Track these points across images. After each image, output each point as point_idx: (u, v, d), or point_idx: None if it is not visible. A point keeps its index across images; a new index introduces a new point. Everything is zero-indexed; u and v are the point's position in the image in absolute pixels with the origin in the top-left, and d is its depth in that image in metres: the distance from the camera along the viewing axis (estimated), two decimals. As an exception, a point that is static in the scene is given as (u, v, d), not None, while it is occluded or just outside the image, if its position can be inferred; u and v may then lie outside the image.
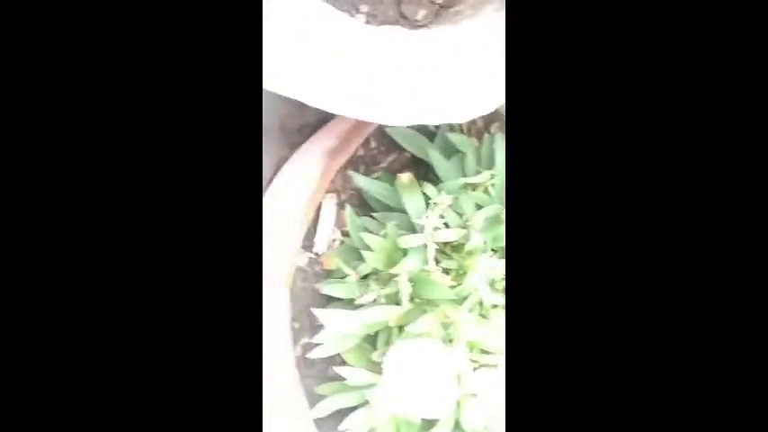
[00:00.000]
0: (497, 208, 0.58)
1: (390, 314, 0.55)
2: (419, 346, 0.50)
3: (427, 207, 0.57)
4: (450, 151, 0.63)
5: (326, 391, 0.60)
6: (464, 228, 0.56)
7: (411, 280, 0.55)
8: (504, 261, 0.57)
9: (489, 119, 0.70)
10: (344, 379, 0.58)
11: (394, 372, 0.50)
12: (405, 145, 0.64)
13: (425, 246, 0.55)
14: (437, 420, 0.56)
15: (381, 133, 0.64)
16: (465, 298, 0.55)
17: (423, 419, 0.58)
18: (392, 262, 0.56)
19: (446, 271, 0.57)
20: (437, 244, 0.55)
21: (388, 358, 0.50)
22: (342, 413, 0.59)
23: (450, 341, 0.54)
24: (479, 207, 0.58)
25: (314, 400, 0.60)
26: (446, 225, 0.56)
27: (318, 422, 0.59)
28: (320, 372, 0.61)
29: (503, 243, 0.59)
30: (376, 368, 0.56)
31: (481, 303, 0.57)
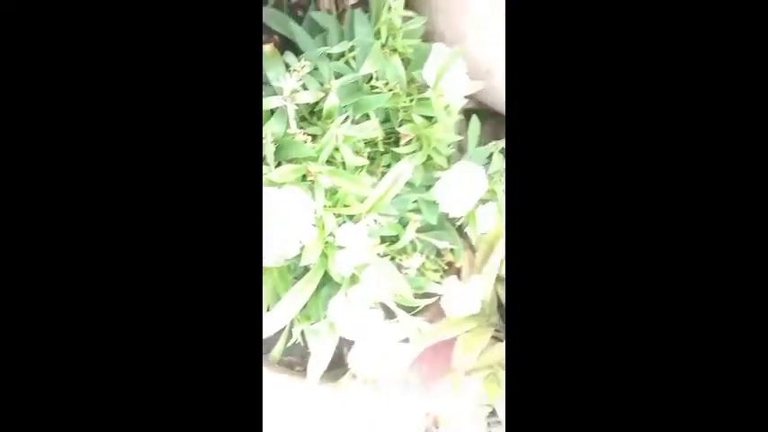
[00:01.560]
0: (357, 76, 0.62)
1: (256, 173, 0.59)
2: (280, 193, 0.55)
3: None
4: (315, 31, 0.67)
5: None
6: (323, 91, 0.60)
7: (275, 142, 0.59)
8: (364, 128, 0.62)
9: (361, 5, 0.74)
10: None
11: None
12: (271, 25, 0.67)
13: (287, 109, 0.59)
14: (308, 269, 0.61)
15: (249, 15, 0.67)
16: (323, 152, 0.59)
17: (295, 277, 0.63)
18: (258, 127, 0.60)
19: (310, 135, 0.61)
20: (297, 106, 0.59)
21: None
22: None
23: (311, 191, 0.58)
24: (340, 76, 0.63)
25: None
26: (305, 88, 0.60)
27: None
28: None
29: (365, 110, 0.63)
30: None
31: (344, 164, 0.62)
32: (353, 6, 0.74)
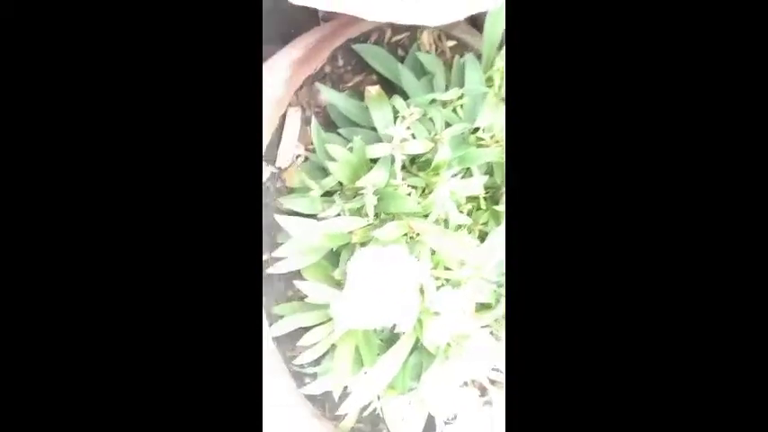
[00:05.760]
0: (465, 126, 0.57)
1: (354, 226, 0.53)
2: (383, 253, 0.49)
3: (395, 120, 0.55)
4: (419, 72, 0.62)
5: (285, 311, 0.58)
6: (432, 141, 0.55)
7: (377, 193, 0.54)
8: (473, 183, 0.57)
9: (459, 48, 0.69)
10: (304, 298, 0.56)
11: (356, 278, 0.48)
12: (373, 64, 0.62)
13: (392, 159, 0.54)
14: (397, 338, 0.55)
15: (349, 51, 0.63)
16: (430, 212, 0.54)
17: (382, 340, 0.57)
18: (357, 176, 0.54)
19: (413, 187, 0.56)
20: (404, 157, 0.54)
21: (351, 264, 0.49)
22: (300, 333, 0.58)
23: (414, 252, 0.52)
24: (448, 125, 0.57)
25: (272, 320, 0.58)
26: (413, 137, 0.55)
27: (277, 340, 0.58)
28: (279, 292, 0.59)
29: (470, 164, 0.58)
30: (337, 286, 0.55)
31: (447, 221, 0.56)
32: (452, 49, 0.69)
